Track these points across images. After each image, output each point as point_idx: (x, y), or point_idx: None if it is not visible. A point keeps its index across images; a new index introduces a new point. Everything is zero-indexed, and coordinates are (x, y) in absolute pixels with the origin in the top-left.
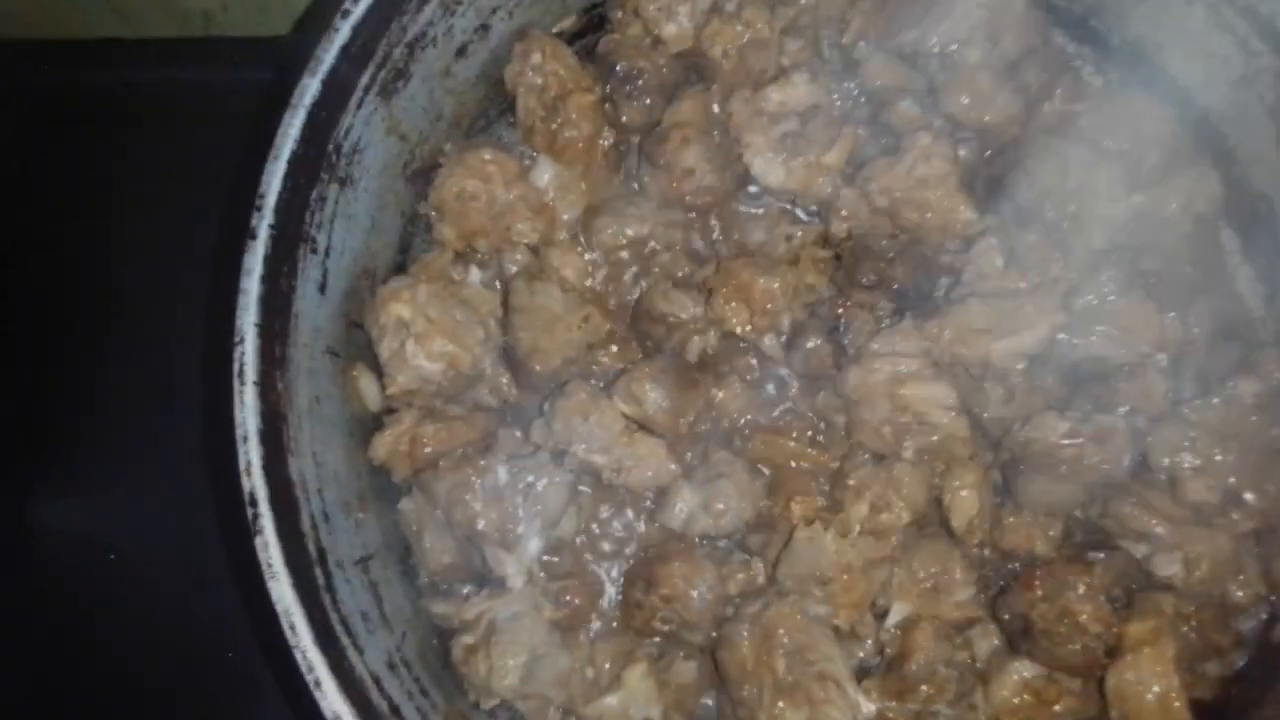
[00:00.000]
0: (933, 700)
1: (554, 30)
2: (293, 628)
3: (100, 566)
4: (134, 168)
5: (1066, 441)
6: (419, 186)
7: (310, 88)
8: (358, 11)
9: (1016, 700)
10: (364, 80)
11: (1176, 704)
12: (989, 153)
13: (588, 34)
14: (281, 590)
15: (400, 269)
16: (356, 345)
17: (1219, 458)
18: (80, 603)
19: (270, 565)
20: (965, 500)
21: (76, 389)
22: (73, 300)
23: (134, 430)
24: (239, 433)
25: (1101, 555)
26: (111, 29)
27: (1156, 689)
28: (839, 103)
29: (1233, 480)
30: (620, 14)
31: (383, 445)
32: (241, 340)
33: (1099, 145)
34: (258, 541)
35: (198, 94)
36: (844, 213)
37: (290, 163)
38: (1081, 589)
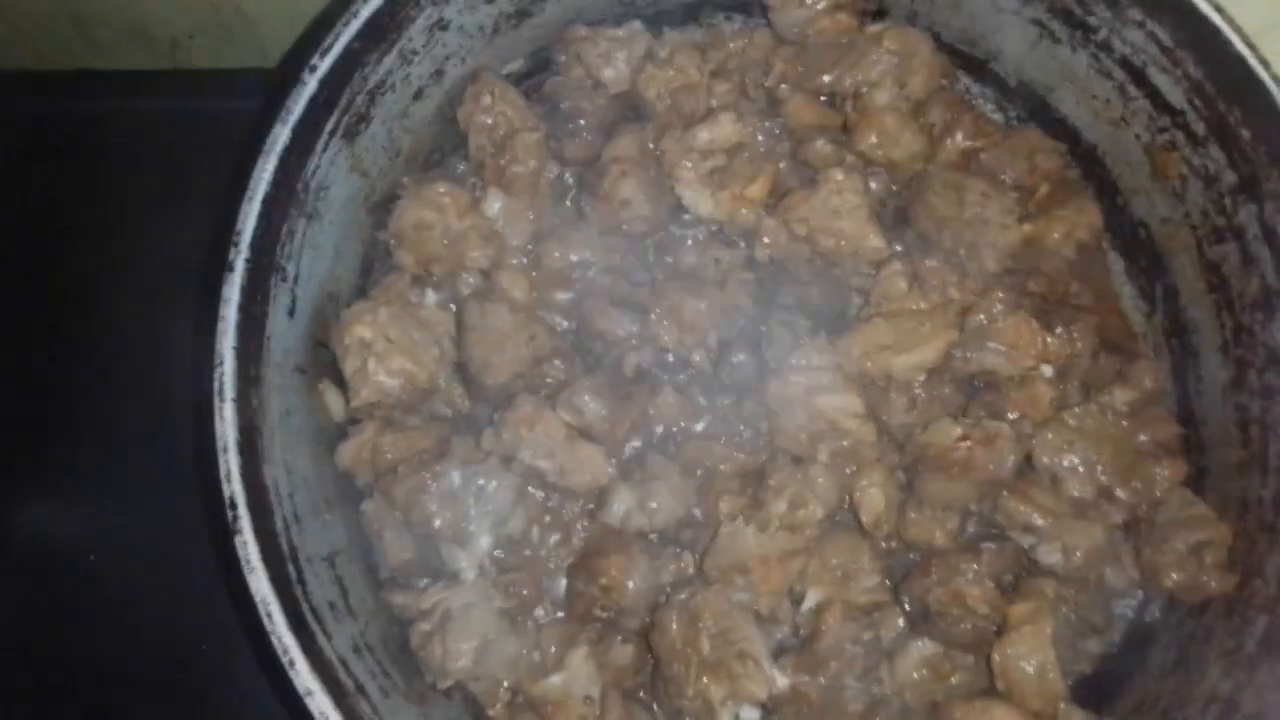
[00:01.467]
0: (841, 674)
1: (503, 72)
2: (269, 615)
3: (79, 568)
4: (110, 195)
5: (958, 445)
6: (379, 216)
7: (281, 135)
8: (324, 66)
9: (916, 675)
10: (329, 125)
11: (1051, 675)
12: (896, 186)
13: (535, 74)
14: (259, 583)
15: (361, 291)
16: (322, 362)
17: (1094, 458)
18: (58, 603)
19: (249, 561)
20: (873, 498)
21: (60, 397)
22: (54, 319)
23: (113, 435)
24: (219, 444)
25: (992, 546)
26: (81, 59)
27: (1035, 661)
28: (762, 140)
29: (1105, 479)
30: (564, 58)
31: (347, 453)
32: (221, 362)
33: (996, 178)
34: (237, 540)
35: (166, 125)
36: (766, 240)
37: (263, 202)
38: (971, 575)
